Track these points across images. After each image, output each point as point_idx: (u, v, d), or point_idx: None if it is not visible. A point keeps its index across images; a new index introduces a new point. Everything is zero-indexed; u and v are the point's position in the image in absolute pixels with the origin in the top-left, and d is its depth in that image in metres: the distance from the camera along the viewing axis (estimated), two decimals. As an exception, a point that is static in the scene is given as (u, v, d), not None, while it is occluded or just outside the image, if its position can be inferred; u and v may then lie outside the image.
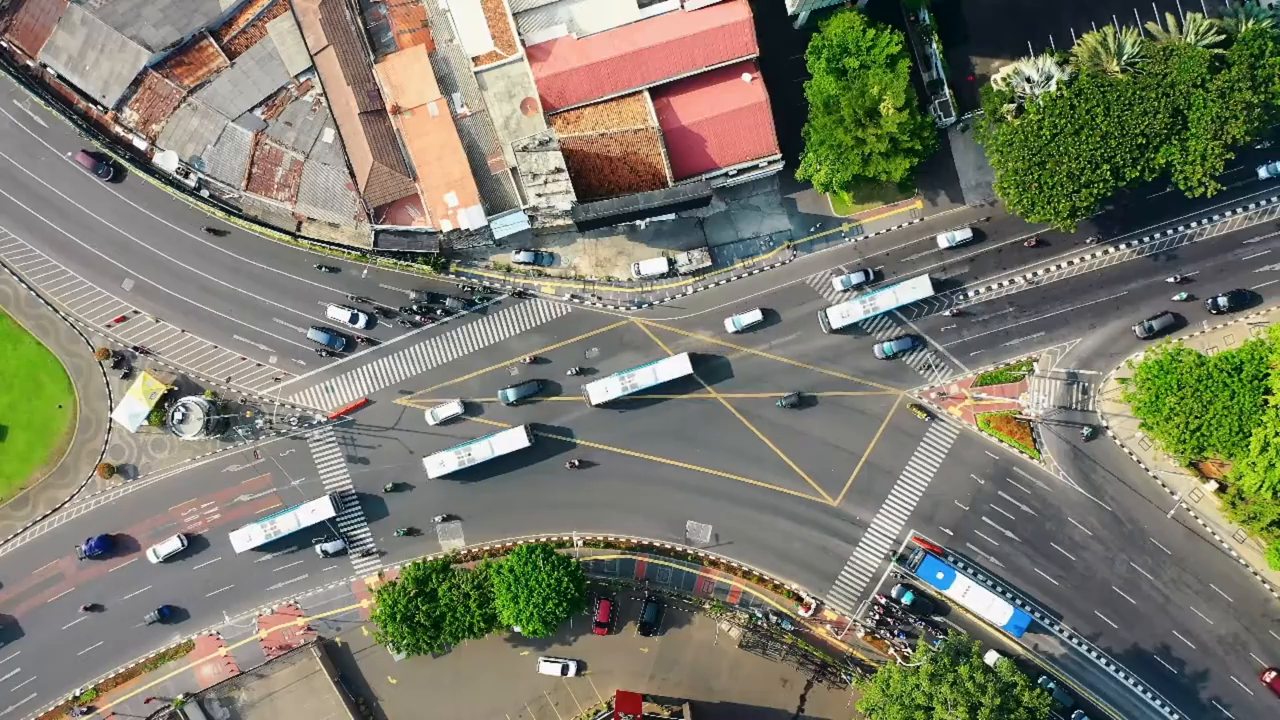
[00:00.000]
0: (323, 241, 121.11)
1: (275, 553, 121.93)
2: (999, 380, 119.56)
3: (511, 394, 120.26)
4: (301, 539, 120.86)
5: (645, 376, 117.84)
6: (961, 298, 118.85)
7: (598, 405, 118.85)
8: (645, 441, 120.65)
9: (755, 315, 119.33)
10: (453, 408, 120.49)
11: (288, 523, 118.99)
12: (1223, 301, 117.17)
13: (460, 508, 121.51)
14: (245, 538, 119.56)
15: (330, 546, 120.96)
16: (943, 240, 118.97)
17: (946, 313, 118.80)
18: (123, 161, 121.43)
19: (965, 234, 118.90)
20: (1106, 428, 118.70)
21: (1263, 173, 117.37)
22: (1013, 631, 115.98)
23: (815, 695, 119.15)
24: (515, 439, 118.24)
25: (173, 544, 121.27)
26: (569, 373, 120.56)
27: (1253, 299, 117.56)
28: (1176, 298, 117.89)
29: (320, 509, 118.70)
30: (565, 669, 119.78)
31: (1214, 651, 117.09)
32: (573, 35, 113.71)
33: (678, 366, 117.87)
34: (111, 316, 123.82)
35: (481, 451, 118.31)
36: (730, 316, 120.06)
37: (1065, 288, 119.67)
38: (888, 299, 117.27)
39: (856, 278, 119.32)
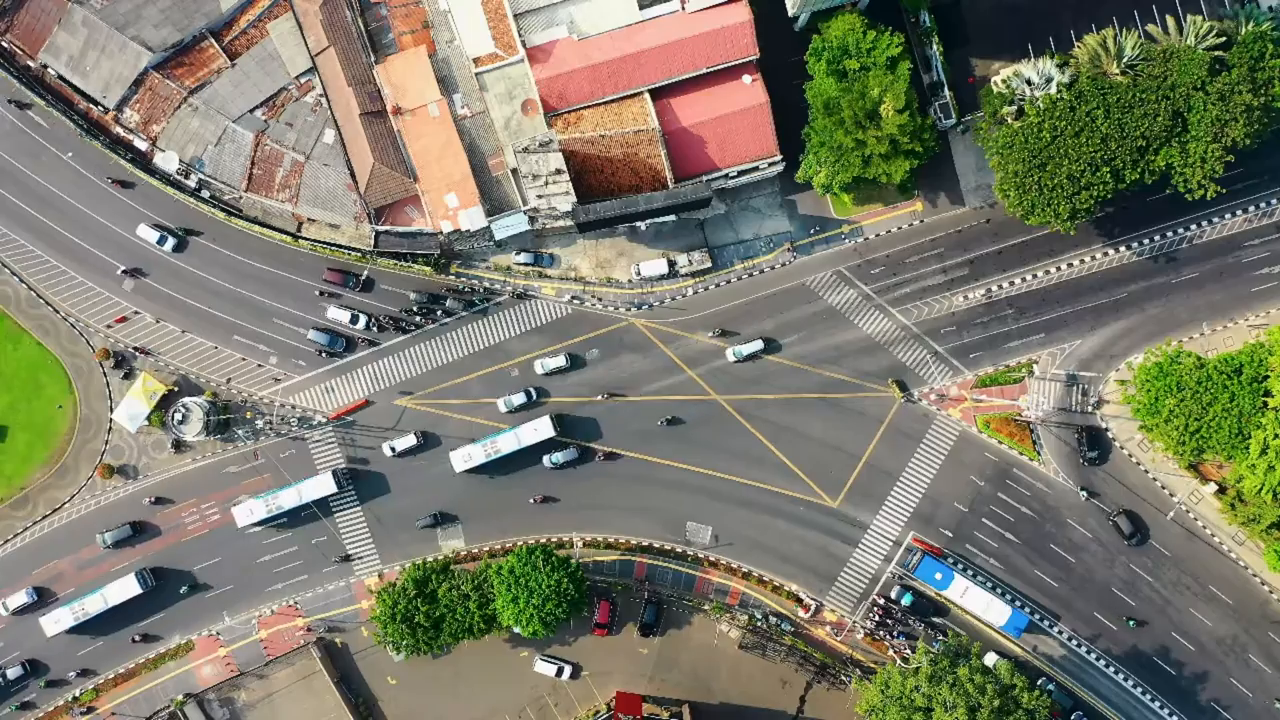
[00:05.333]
0: (323, 242, 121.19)
1: (276, 552, 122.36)
2: (999, 382, 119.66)
3: (109, 537, 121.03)
4: None
5: (290, 497, 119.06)
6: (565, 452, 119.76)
7: (246, 526, 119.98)
8: (645, 442, 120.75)
9: (589, 353, 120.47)
10: (20, 598, 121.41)
11: None
12: (1093, 455, 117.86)
13: (459, 508, 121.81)
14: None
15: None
16: (538, 366, 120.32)
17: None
18: (366, 272, 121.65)
19: (560, 361, 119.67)
20: (1107, 429, 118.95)
21: (730, 355, 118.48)
22: (1011, 632, 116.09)
23: (815, 696, 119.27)
24: (127, 587, 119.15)
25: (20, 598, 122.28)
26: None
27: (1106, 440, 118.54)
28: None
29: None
30: (560, 671, 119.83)
31: (1213, 653, 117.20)
32: (573, 36, 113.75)
33: (322, 485, 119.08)
34: (111, 317, 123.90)
35: (95, 604, 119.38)
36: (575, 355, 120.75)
37: (1065, 290, 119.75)
38: (510, 441, 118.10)
39: (519, 399, 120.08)
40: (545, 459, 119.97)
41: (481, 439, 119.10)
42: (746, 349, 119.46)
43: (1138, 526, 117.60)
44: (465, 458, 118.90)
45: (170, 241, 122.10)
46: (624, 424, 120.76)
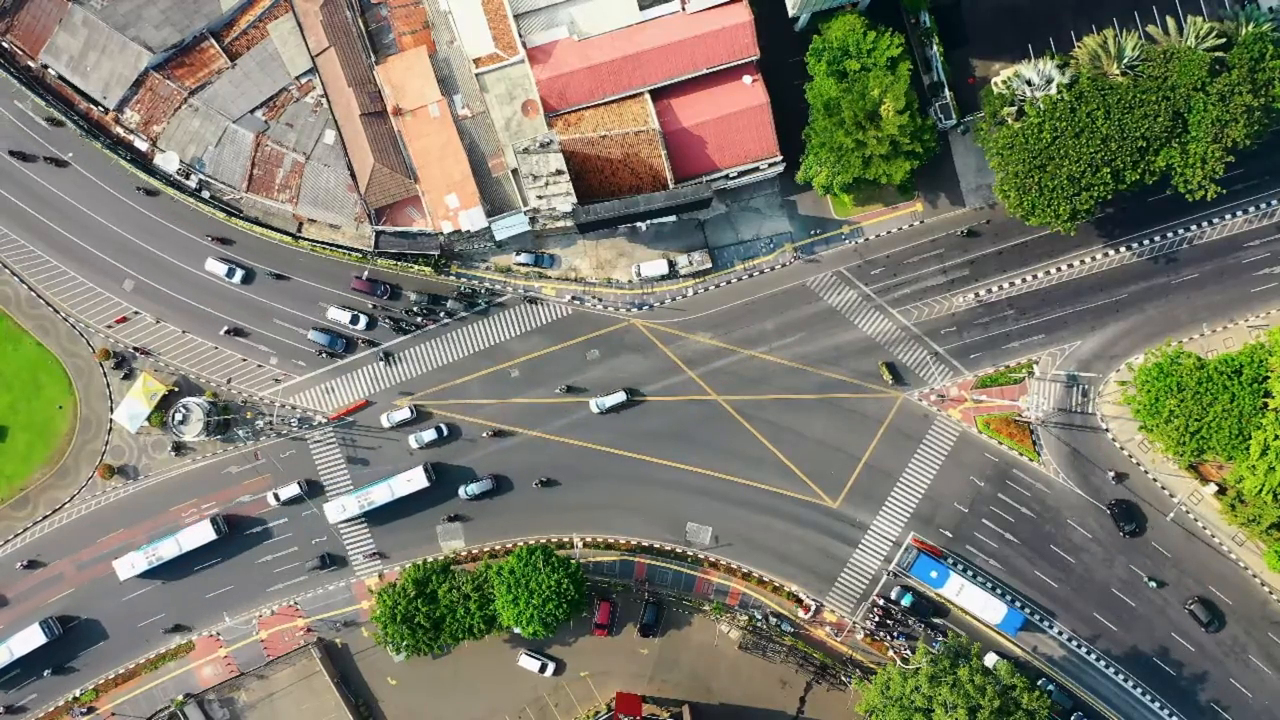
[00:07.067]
0: (323, 243, 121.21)
1: (276, 553, 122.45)
2: (999, 382, 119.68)
3: None
4: None
5: (169, 548, 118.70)
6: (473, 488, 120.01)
7: (127, 579, 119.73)
8: (646, 443, 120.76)
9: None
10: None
11: None
12: (1131, 528, 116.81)
13: (461, 511, 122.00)
14: None
15: None
16: (384, 420, 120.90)
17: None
18: (392, 285, 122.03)
19: (404, 414, 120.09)
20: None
21: (594, 406, 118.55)
22: (1007, 630, 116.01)
23: (814, 697, 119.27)
24: (31, 638, 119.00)
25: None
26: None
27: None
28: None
29: None
30: (544, 667, 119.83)
31: (1213, 653, 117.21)
32: (574, 37, 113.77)
33: (200, 534, 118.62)
34: (112, 317, 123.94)
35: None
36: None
37: (1065, 290, 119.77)
38: (383, 493, 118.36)
39: (429, 435, 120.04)
40: (461, 490, 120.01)
41: (355, 490, 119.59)
42: (609, 401, 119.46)
43: (1214, 614, 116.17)
44: (340, 509, 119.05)
45: (239, 274, 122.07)
46: (626, 424, 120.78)
